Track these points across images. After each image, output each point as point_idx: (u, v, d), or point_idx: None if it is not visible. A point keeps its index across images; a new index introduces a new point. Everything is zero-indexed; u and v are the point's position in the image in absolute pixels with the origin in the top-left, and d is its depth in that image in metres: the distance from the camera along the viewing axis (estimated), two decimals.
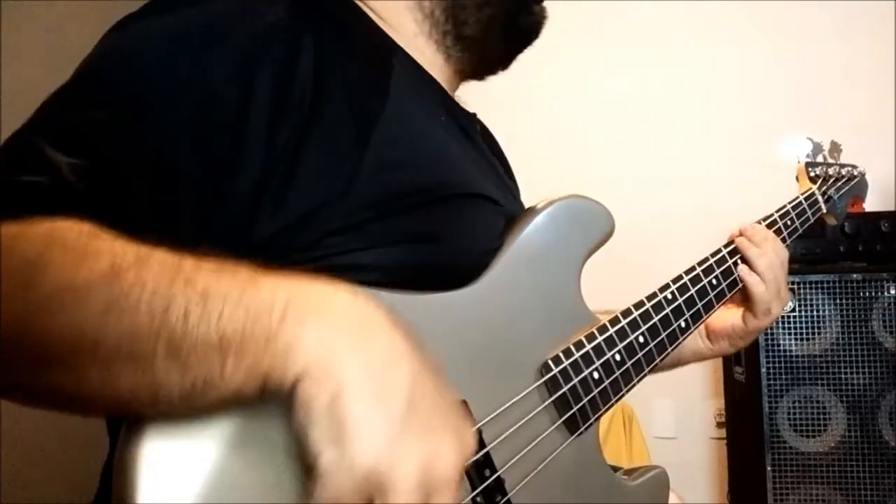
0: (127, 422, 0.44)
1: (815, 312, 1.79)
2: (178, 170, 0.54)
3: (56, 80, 0.57)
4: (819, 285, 1.79)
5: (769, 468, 1.77)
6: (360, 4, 0.72)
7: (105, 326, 0.42)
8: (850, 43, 2.26)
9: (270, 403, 0.44)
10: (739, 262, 0.91)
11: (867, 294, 1.77)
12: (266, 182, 0.55)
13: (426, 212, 0.62)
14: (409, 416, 0.44)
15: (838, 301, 1.78)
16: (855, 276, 1.78)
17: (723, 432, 2.11)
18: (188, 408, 0.43)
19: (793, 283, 1.78)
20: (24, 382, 0.45)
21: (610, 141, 2.41)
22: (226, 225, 0.54)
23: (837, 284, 1.79)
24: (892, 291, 1.77)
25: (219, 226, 0.54)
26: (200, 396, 0.43)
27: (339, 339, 0.44)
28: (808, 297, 1.80)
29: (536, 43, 0.81)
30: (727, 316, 0.93)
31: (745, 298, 0.92)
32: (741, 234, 0.92)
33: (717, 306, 0.86)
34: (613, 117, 2.42)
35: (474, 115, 0.83)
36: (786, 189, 1.07)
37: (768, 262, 0.90)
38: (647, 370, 0.75)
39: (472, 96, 0.84)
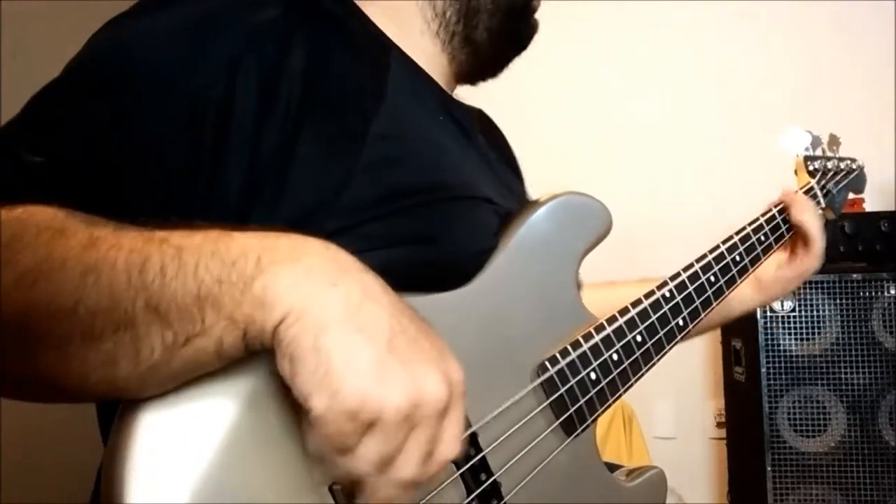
0: (116, 418, 0.44)
1: (815, 312, 1.79)
2: (167, 169, 0.54)
3: None
4: (819, 285, 1.79)
5: (769, 468, 1.77)
6: (359, 2, 0.72)
7: (83, 288, 0.43)
8: (850, 43, 2.25)
9: (265, 394, 0.44)
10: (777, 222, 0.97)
11: (867, 294, 1.77)
12: (257, 183, 0.55)
13: (421, 213, 0.62)
14: (392, 348, 0.44)
15: (838, 301, 1.78)
16: (855, 276, 1.78)
17: (723, 432, 2.11)
18: (170, 371, 0.43)
19: None
20: (15, 370, 0.45)
21: (608, 138, 2.41)
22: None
23: (837, 284, 1.78)
24: (892, 291, 1.76)
25: None
26: (181, 354, 0.43)
27: (316, 279, 0.44)
28: (808, 297, 1.79)
29: (541, 39, 0.81)
30: (773, 268, 1.00)
31: (793, 248, 1.01)
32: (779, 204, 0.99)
33: (714, 304, 0.86)
34: (612, 115, 2.42)
35: (476, 110, 0.83)
36: (783, 184, 1.06)
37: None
38: (644, 370, 0.74)
39: (471, 95, 0.84)
